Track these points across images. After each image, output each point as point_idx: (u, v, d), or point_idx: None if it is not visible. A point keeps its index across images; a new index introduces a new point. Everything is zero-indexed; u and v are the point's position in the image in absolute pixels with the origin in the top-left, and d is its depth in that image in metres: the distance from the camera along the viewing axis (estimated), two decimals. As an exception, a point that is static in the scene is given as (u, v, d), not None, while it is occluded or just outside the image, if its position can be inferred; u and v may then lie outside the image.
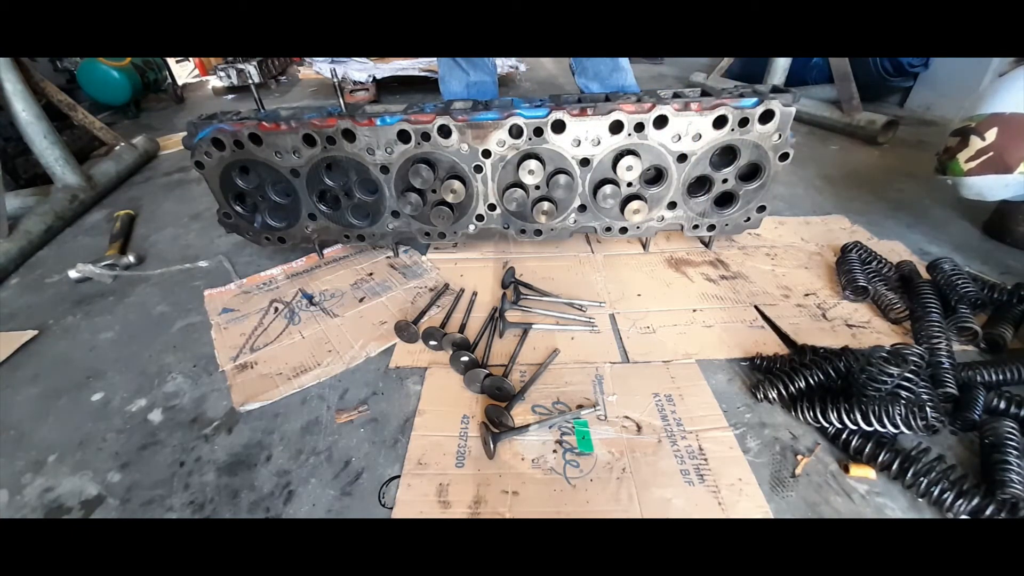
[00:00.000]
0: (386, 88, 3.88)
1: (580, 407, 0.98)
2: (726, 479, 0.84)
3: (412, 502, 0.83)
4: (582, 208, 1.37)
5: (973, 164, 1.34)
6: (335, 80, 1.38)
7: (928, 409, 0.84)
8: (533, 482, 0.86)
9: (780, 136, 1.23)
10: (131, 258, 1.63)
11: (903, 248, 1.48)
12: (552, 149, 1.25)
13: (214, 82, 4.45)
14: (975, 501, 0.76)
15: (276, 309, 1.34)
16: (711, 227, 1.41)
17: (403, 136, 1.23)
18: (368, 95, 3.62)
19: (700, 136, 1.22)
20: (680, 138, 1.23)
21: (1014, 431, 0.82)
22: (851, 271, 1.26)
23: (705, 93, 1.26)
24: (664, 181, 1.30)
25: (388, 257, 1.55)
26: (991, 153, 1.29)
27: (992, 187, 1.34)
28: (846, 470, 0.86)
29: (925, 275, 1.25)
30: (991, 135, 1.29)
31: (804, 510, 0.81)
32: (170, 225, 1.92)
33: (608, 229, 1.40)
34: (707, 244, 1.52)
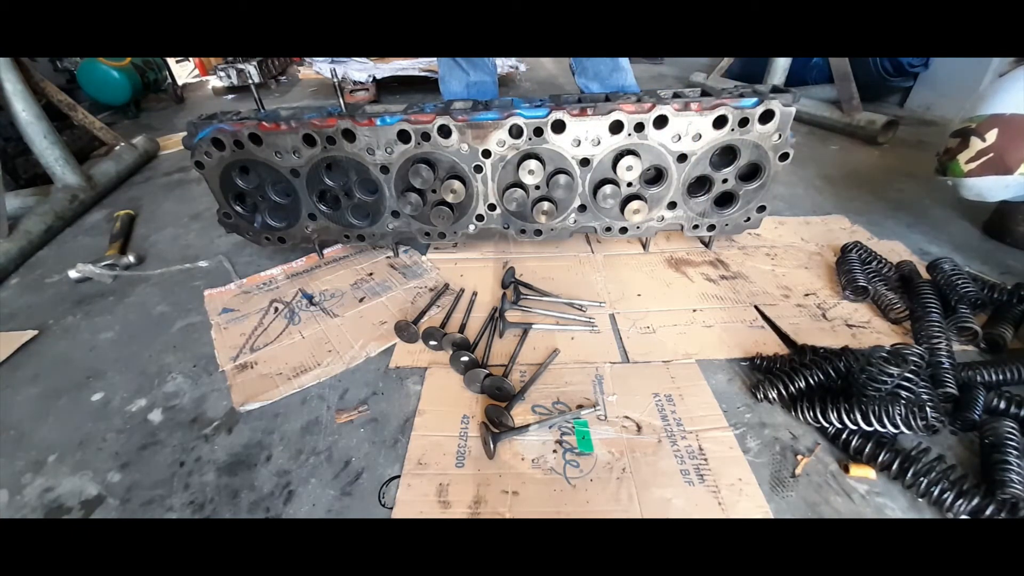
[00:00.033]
0: (386, 88, 3.88)
1: (580, 407, 0.98)
2: (726, 479, 0.84)
3: (412, 502, 0.83)
4: (582, 208, 1.37)
5: (973, 165, 1.34)
6: (335, 80, 1.38)
7: (928, 409, 0.84)
8: (533, 482, 0.86)
9: (780, 136, 1.23)
10: (131, 258, 1.63)
11: (903, 248, 1.48)
12: (552, 149, 1.25)
13: (214, 82, 4.45)
14: (975, 501, 0.76)
15: (276, 309, 1.34)
16: (711, 227, 1.41)
17: (403, 136, 1.23)
18: (368, 95, 3.62)
19: (700, 136, 1.22)
20: (680, 138, 1.23)
21: (1014, 431, 0.82)
22: (851, 271, 1.26)
23: (705, 93, 1.26)
24: (664, 181, 1.30)
25: (388, 257, 1.55)
26: (991, 154, 1.29)
27: (992, 188, 1.34)
28: (846, 470, 0.86)
29: (925, 275, 1.25)
30: (991, 136, 1.29)
31: (804, 510, 0.81)
32: (170, 225, 1.92)
33: (608, 229, 1.40)
34: (707, 244, 1.52)
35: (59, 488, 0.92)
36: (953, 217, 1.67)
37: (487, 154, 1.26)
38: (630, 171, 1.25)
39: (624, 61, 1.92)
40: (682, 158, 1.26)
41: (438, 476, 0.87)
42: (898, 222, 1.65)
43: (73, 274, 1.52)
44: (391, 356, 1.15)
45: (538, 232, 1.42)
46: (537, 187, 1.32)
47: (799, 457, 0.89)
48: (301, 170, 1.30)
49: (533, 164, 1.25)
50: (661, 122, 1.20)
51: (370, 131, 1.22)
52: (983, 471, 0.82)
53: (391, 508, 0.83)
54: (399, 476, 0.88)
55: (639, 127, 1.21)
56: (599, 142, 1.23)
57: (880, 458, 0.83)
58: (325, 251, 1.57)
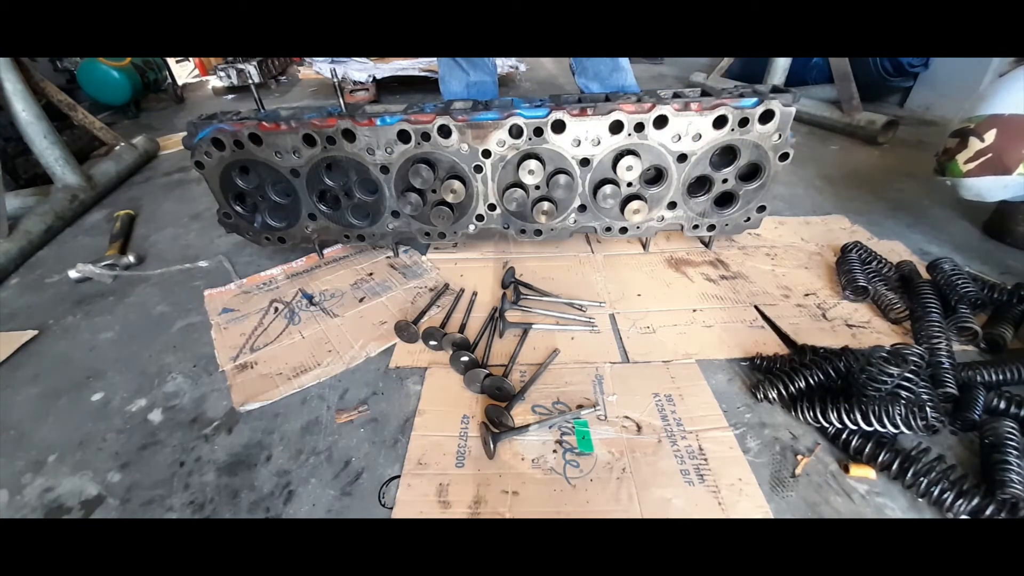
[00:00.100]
0: (386, 88, 3.88)
1: (580, 407, 0.98)
2: (726, 479, 0.84)
3: (412, 502, 0.83)
4: (582, 208, 1.37)
5: (972, 165, 1.34)
6: (335, 80, 1.38)
7: (928, 409, 0.84)
8: (533, 482, 0.86)
9: (780, 136, 1.23)
10: (131, 258, 1.63)
11: (903, 248, 1.48)
12: (552, 149, 1.25)
13: (214, 82, 4.45)
14: (975, 501, 0.76)
15: (276, 309, 1.34)
16: (711, 227, 1.41)
17: (403, 136, 1.23)
18: (368, 95, 3.62)
19: (700, 136, 1.22)
20: (680, 138, 1.23)
21: (1014, 431, 0.82)
22: (851, 271, 1.26)
23: (705, 93, 1.26)
24: (664, 181, 1.30)
25: (388, 257, 1.55)
26: (990, 154, 1.29)
27: (991, 188, 1.34)
28: (846, 470, 0.86)
29: (925, 275, 1.25)
30: (990, 136, 1.29)
31: (804, 510, 0.81)
32: (170, 225, 1.92)
33: (608, 229, 1.40)
34: (707, 244, 1.52)
35: (59, 488, 0.92)
36: (953, 217, 1.67)
37: (487, 154, 1.26)
38: (630, 171, 1.25)
39: (624, 61, 1.92)
40: (682, 158, 1.26)
41: (438, 476, 0.87)
42: (898, 222, 1.65)
43: (73, 274, 1.52)
44: (391, 356, 1.15)
45: (538, 232, 1.42)
46: (537, 187, 1.32)
47: (799, 457, 0.89)
48: (301, 170, 1.30)
49: (533, 164, 1.25)
50: (661, 122, 1.20)
51: (370, 131, 1.22)
52: (983, 471, 0.82)
53: (391, 508, 0.83)
54: (399, 476, 0.88)
55: (639, 127, 1.21)
56: (599, 142, 1.23)
57: (880, 458, 0.83)
58: (325, 251, 1.57)
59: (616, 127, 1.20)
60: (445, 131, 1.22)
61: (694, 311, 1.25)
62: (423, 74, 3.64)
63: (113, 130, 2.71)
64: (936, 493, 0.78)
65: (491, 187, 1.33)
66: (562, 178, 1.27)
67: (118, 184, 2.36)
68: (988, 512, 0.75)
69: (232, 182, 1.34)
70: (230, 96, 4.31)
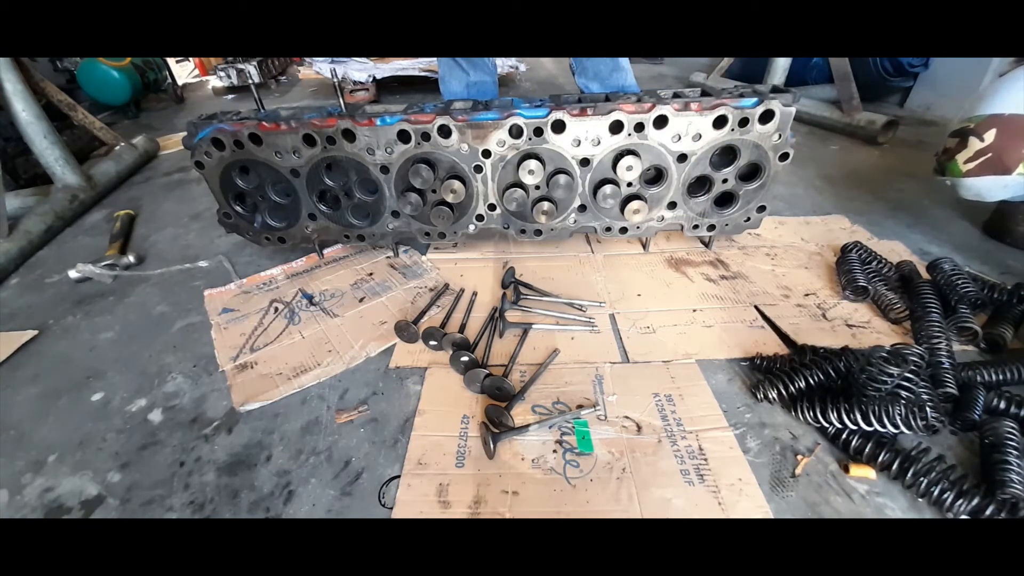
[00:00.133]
0: (386, 88, 3.88)
1: (580, 407, 0.98)
2: (726, 479, 0.84)
3: (412, 502, 0.83)
4: (582, 208, 1.37)
5: (972, 165, 1.33)
6: (335, 80, 1.38)
7: (928, 409, 0.84)
8: (533, 482, 0.86)
9: (780, 136, 1.23)
10: (131, 258, 1.63)
11: (903, 248, 1.48)
12: (552, 149, 1.25)
13: (214, 82, 4.45)
14: (975, 501, 0.76)
15: (276, 309, 1.34)
16: (711, 227, 1.41)
17: (403, 136, 1.23)
18: (368, 95, 3.62)
19: (700, 136, 1.22)
20: (680, 138, 1.23)
21: (1014, 431, 0.82)
22: (851, 271, 1.26)
23: (705, 93, 1.26)
24: (664, 181, 1.30)
25: (388, 257, 1.55)
26: (990, 154, 1.29)
27: (991, 188, 1.34)
28: (846, 470, 0.86)
29: (925, 275, 1.25)
30: (990, 136, 1.29)
31: (804, 510, 0.81)
32: (170, 225, 1.92)
33: (608, 229, 1.40)
34: (707, 244, 1.52)
35: (59, 488, 0.92)
36: (953, 217, 1.67)
37: (487, 154, 1.26)
38: (630, 171, 1.25)
39: (624, 61, 1.92)
40: (682, 158, 1.26)
41: (438, 476, 0.87)
42: (898, 222, 1.65)
43: (73, 274, 1.52)
44: (391, 356, 1.15)
45: (538, 232, 1.42)
46: (537, 187, 1.32)
47: (799, 457, 0.89)
48: (301, 170, 1.30)
49: (533, 164, 1.25)
50: (661, 122, 1.20)
51: (370, 131, 1.22)
52: (983, 471, 0.82)
53: (391, 508, 0.83)
54: (399, 476, 0.88)
55: (639, 127, 1.21)
56: (599, 142, 1.23)
57: (880, 458, 0.83)
58: (325, 251, 1.57)
59: (616, 127, 1.20)
60: (445, 131, 1.22)
61: (694, 311, 1.25)
62: (423, 74, 3.64)
63: (113, 130, 2.71)
64: (936, 493, 0.78)
65: (491, 187, 1.33)
66: (562, 178, 1.27)
67: (118, 184, 2.36)
68: (988, 512, 0.75)
69: (232, 182, 1.34)
70: (230, 96, 4.31)
